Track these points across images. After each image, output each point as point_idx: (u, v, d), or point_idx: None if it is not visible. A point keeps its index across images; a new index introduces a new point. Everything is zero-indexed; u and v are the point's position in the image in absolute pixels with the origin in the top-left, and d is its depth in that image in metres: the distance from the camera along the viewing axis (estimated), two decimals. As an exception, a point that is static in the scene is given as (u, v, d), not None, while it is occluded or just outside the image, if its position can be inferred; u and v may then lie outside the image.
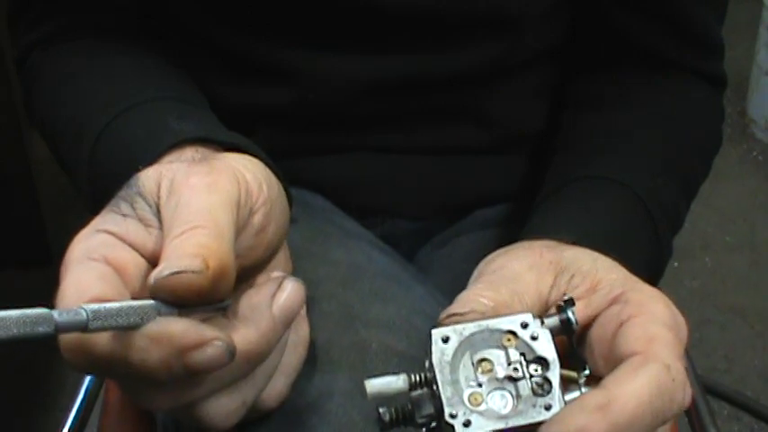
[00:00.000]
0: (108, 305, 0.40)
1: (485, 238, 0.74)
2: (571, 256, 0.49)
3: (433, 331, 0.44)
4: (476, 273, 0.50)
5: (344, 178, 0.72)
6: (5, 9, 0.71)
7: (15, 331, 0.35)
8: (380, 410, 0.44)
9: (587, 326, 0.46)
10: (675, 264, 1.88)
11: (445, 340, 0.44)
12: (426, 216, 0.76)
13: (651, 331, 0.43)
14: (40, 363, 1.64)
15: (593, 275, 0.47)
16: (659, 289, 0.47)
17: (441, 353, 0.43)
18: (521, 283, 0.48)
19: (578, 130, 0.70)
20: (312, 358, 0.55)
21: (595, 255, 0.49)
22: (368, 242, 0.67)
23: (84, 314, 0.38)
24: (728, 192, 2.09)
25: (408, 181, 0.73)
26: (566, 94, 0.75)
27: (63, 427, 0.85)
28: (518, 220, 0.65)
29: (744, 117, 2.32)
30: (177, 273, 0.41)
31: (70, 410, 0.86)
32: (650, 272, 0.59)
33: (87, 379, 0.88)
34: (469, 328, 0.44)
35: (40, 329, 0.36)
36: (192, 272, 0.41)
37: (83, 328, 0.38)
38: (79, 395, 0.87)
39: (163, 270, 0.42)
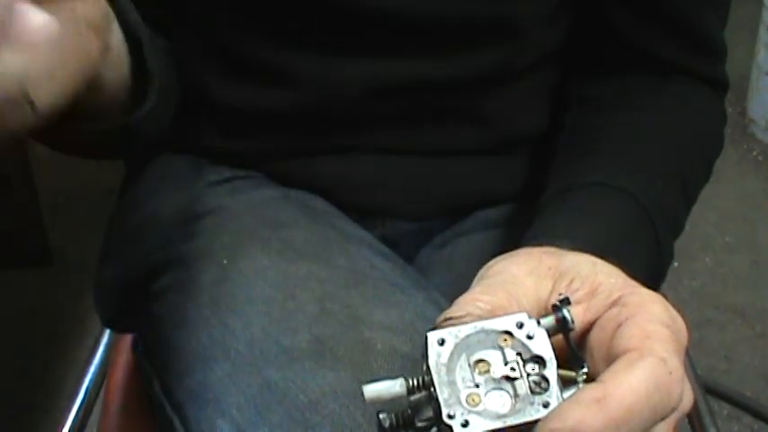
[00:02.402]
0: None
1: (486, 239, 0.74)
2: (570, 261, 0.49)
3: (429, 334, 0.44)
4: (476, 278, 0.50)
5: (344, 179, 0.72)
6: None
7: None
8: (381, 416, 0.44)
9: (587, 330, 0.46)
10: (675, 264, 1.88)
11: (441, 343, 0.44)
12: (427, 217, 0.76)
13: (647, 329, 0.43)
14: (40, 364, 1.64)
15: (593, 279, 0.47)
16: (660, 292, 0.47)
17: (437, 355, 0.43)
18: (519, 287, 0.47)
19: (579, 133, 0.70)
20: (315, 353, 0.55)
21: (595, 259, 0.49)
22: (369, 247, 0.67)
23: None
24: (728, 192, 2.09)
25: (409, 182, 0.73)
26: (567, 96, 0.74)
27: (63, 427, 0.85)
28: (520, 221, 0.65)
29: (744, 117, 2.31)
30: None
31: (70, 411, 0.86)
32: (651, 277, 0.59)
33: (87, 379, 0.88)
34: (465, 329, 0.44)
35: None
36: None
37: None
38: (79, 395, 0.87)
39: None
